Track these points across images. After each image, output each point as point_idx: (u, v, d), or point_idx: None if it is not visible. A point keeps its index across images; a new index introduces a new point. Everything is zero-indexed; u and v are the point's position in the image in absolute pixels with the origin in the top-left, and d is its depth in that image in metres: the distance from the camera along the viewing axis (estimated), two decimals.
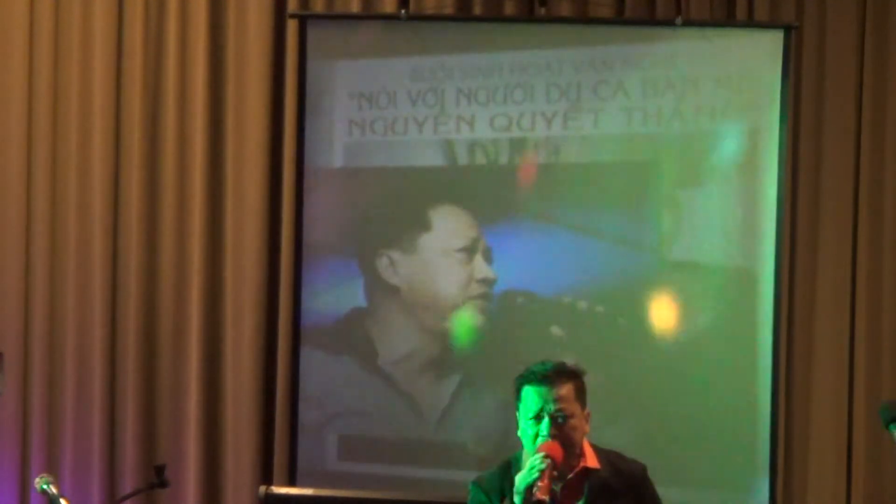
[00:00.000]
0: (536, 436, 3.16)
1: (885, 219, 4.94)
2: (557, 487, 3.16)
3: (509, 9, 5.02)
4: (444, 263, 4.73)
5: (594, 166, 4.70)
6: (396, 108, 4.73)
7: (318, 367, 4.75)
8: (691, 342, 4.64)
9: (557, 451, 3.11)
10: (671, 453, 4.51)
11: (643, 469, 3.31)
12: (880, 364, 4.92)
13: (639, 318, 4.67)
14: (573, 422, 3.18)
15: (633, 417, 4.59)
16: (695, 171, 4.67)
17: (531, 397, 3.19)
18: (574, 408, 3.19)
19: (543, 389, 3.18)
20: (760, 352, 4.61)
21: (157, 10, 5.08)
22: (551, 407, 3.16)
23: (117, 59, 5.07)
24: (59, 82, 5.08)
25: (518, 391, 3.25)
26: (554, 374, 3.21)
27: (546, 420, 3.16)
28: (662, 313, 4.66)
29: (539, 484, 3.03)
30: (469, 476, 3.48)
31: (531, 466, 3.07)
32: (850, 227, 4.95)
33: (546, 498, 3.01)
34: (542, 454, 3.09)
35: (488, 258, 4.71)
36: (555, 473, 3.09)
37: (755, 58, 4.65)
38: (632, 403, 4.62)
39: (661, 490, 3.34)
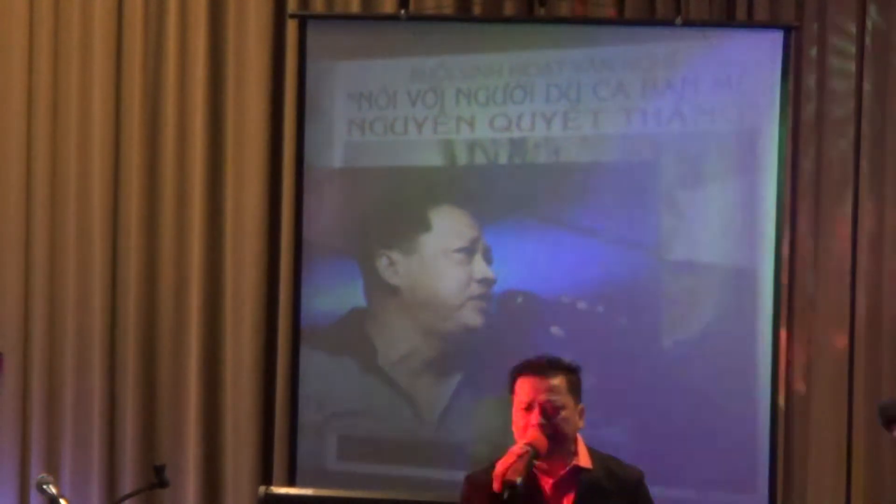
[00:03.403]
0: (526, 426, 3.16)
1: (885, 219, 4.94)
2: (547, 486, 3.18)
3: (509, 9, 5.02)
4: (444, 263, 4.72)
5: (594, 166, 4.70)
6: (396, 108, 4.73)
7: (318, 367, 4.75)
8: (691, 342, 4.63)
9: (542, 442, 3.12)
10: (671, 453, 4.51)
11: (640, 475, 3.29)
12: (880, 364, 4.92)
13: (639, 318, 4.67)
14: (564, 413, 3.18)
15: (633, 417, 4.59)
16: (695, 171, 4.66)
17: (524, 388, 3.20)
18: (566, 400, 3.19)
19: (536, 380, 3.19)
20: (760, 351, 4.61)
21: (157, 10, 5.08)
22: (543, 397, 3.17)
23: (117, 59, 5.08)
24: (59, 82, 5.08)
25: (512, 383, 3.26)
26: (547, 366, 3.23)
27: (536, 410, 3.16)
28: (662, 313, 4.66)
29: (514, 466, 3.02)
30: None
31: (510, 452, 3.08)
32: (850, 227, 4.95)
33: (517, 479, 2.98)
34: (523, 442, 3.10)
35: (488, 258, 4.71)
36: (535, 462, 3.09)
37: (755, 58, 4.64)
38: (632, 403, 4.62)
39: (661, 490, 3.32)
